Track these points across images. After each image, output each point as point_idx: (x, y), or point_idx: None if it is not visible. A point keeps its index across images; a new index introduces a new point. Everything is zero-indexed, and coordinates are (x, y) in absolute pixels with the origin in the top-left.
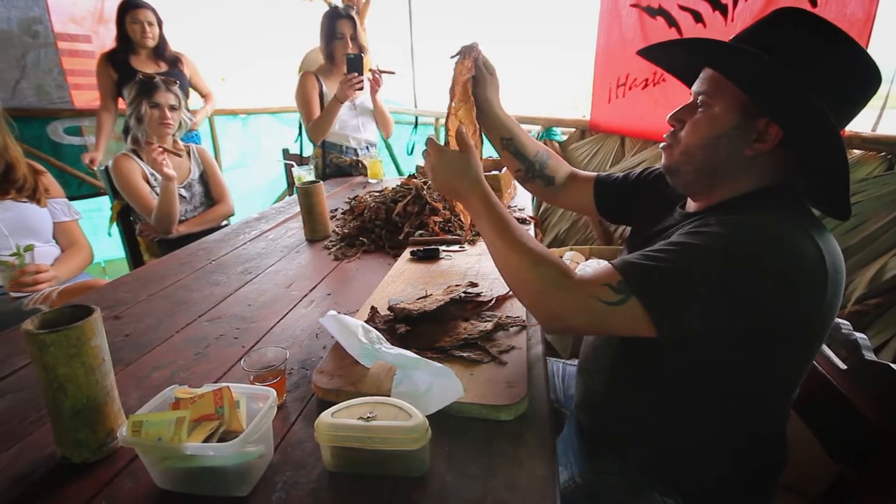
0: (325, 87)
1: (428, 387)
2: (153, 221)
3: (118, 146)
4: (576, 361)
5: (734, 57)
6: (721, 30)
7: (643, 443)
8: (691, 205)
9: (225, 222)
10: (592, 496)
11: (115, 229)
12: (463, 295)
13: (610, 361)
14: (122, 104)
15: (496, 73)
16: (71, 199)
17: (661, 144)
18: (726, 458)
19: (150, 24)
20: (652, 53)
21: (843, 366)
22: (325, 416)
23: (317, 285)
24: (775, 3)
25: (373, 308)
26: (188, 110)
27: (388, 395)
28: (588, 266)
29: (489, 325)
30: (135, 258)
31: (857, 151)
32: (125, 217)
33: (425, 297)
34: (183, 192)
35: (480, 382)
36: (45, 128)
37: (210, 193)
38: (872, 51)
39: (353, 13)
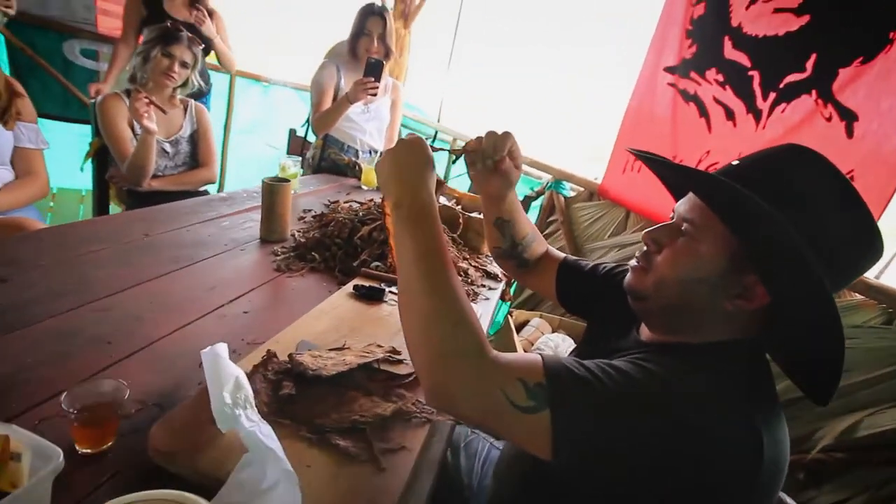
0: (342, 81)
1: (271, 485)
2: (124, 170)
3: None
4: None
5: (734, 202)
6: (750, 134)
7: None
8: (645, 332)
9: (203, 188)
10: None
11: (88, 166)
12: (376, 365)
13: (521, 476)
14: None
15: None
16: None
17: (631, 263)
18: None
19: None
20: (644, 158)
21: None
22: None
23: (241, 296)
24: (809, 123)
25: (269, 352)
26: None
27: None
28: (551, 340)
29: (388, 410)
30: (101, 201)
31: (857, 296)
32: (101, 157)
33: (341, 349)
34: (167, 146)
35: (338, 494)
36: (61, 43)
37: (196, 155)
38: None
39: (388, 13)
